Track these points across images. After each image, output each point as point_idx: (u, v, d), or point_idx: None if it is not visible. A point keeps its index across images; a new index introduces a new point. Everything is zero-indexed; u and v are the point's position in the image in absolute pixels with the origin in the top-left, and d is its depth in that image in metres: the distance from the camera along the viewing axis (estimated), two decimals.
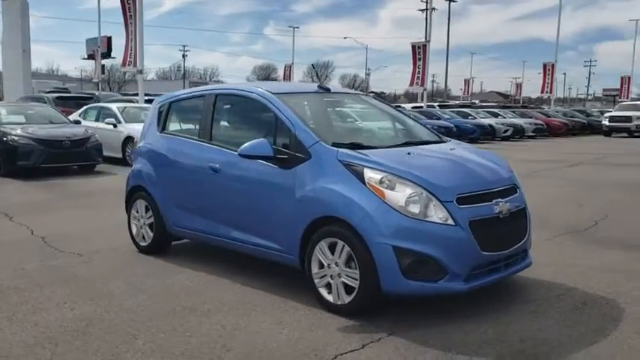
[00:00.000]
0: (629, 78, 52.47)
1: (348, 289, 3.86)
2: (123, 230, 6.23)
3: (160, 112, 5.59)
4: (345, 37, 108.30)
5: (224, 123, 5.06)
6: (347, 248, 3.82)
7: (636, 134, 29.13)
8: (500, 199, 3.97)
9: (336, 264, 3.90)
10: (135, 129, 13.59)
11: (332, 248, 3.93)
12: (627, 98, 49.63)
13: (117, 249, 5.74)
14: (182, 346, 3.45)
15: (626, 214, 7.58)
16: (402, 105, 31.18)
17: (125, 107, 15.36)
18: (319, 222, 3.99)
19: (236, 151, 4.55)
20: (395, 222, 3.66)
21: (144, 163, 5.55)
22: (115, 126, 13.94)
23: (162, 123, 5.53)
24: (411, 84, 29.33)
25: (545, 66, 40.59)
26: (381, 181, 3.77)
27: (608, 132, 29.71)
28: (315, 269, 4.05)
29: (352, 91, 5.47)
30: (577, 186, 10.45)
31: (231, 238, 4.71)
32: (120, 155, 13.72)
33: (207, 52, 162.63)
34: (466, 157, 4.38)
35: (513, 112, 30.09)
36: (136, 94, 27.36)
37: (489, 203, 3.89)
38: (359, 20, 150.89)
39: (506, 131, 25.25)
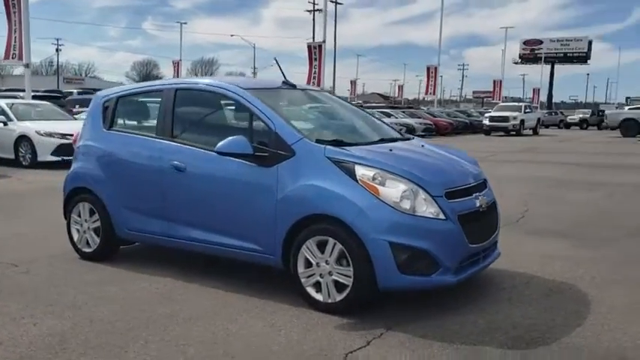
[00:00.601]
0: (501, 81, 56.51)
1: (339, 286, 3.82)
2: (52, 235, 5.85)
3: (105, 108, 5.20)
4: (232, 35, 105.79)
5: (188, 119, 4.79)
6: (339, 246, 3.77)
7: (512, 133, 31.53)
8: (478, 193, 4.12)
9: (327, 262, 3.83)
10: (29, 127, 12.58)
11: (321, 246, 3.86)
12: (500, 100, 53.53)
13: (54, 256, 5.26)
14: (181, 357, 3.23)
15: (542, 206, 8.17)
16: None
17: (13, 103, 14.11)
18: (306, 220, 3.91)
19: (205, 149, 4.40)
20: (390, 218, 3.67)
21: (87, 162, 5.14)
22: (4, 124, 12.77)
23: (109, 119, 5.14)
24: (308, 83, 29.58)
25: (428, 69, 42.70)
26: (373, 178, 3.77)
27: (488, 131, 31.87)
28: (301, 269, 3.96)
29: (316, 88, 5.40)
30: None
31: (196, 240, 4.49)
32: (12, 156, 12.61)
33: (81, 47, 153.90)
34: (440, 153, 4.50)
35: (403, 112, 31.34)
36: (9, 90, 25.51)
37: (471, 197, 4.03)
38: (242, 19, 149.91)
39: (399, 130, 26.16)
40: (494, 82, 59.25)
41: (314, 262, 3.89)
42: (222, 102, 4.57)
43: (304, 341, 3.43)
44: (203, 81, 4.78)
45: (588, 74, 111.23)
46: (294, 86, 4.89)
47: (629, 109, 32.31)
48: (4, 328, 3.63)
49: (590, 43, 79.87)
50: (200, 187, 4.41)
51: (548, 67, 77.74)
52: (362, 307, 3.82)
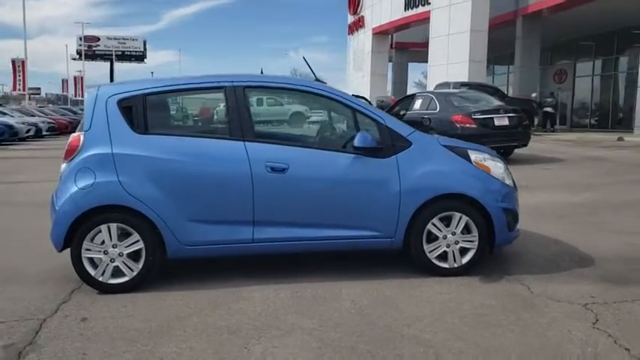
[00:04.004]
0: (82, 78, 55.20)
1: (462, 252, 4.61)
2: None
3: (125, 109, 4.32)
4: None
5: (272, 118, 4.54)
6: (465, 218, 4.55)
7: None
8: None
9: (453, 233, 4.57)
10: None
11: (444, 221, 4.56)
12: (81, 97, 52.31)
13: (64, 300, 4.17)
14: (461, 324, 3.63)
15: None
16: None
17: None
18: (431, 201, 4.52)
19: (308, 147, 4.47)
20: (501, 189, 4.68)
21: (116, 174, 4.21)
22: None
23: (140, 122, 4.31)
24: None
25: (14, 62, 38.72)
26: (484, 159, 4.69)
27: None
28: (425, 244, 4.56)
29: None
30: None
31: (294, 239, 4.44)
32: None
33: None
34: None
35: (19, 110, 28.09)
36: None
37: None
38: None
39: (28, 131, 23.64)
40: (64, 81, 57.44)
41: (440, 236, 4.56)
42: (313, 101, 4.58)
43: (492, 296, 4.18)
44: (286, 80, 4.61)
45: (152, 72, 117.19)
46: (324, 83, 5.16)
47: None
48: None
49: (145, 42, 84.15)
50: (308, 185, 4.39)
51: (108, 64, 78.89)
52: (475, 266, 4.70)
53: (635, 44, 27.55)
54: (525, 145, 12.46)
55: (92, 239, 4.24)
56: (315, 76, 5.10)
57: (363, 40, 33.77)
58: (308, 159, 4.43)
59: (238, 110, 4.41)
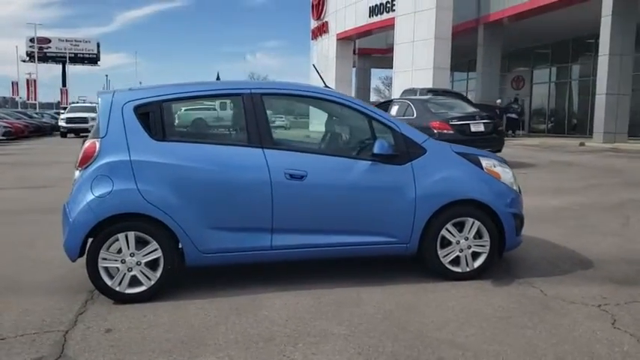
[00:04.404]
0: (36, 82, 53.76)
1: (474, 256, 4.70)
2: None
3: (142, 115, 4.25)
4: None
5: (290, 126, 4.51)
6: (477, 223, 4.65)
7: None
8: None
9: (466, 238, 4.66)
10: None
11: (457, 226, 4.65)
12: (35, 100, 50.96)
13: (81, 312, 4.06)
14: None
15: None
16: None
17: None
18: (445, 206, 4.60)
19: (324, 155, 4.51)
20: (510, 195, 4.80)
21: (135, 182, 4.14)
22: None
23: (158, 128, 4.24)
24: None
25: None
26: (494, 166, 4.81)
27: (65, 133, 30.73)
28: (439, 249, 4.64)
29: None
30: None
31: (311, 246, 4.45)
32: None
33: None
34: None
35: None
36: None
37: None
38: None
39: None
40: (14, 84, 55.84)
41: (453, 241, 4.65)
42: (329, 108, 4.61)
43: (508, 299, 4.28)
44: (303, 88, 4.61)
45: (107, 75, 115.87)
46: (332, 89, 5.19)
47: None
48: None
49: (98, 45, 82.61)
50: (326, 192, 4.40)
51: (60, 66, 76.93)
52: (485, 270, 4.80)
53: (587, 52, 28.61)
54: (500, 150, 12.78)
55: (109, 248, 4.16)
56: (325, 83, 5.12)
57: (327, 45, 33.94)
58: (326, 166, 4.44)
59: (256, 117, 4.39)
